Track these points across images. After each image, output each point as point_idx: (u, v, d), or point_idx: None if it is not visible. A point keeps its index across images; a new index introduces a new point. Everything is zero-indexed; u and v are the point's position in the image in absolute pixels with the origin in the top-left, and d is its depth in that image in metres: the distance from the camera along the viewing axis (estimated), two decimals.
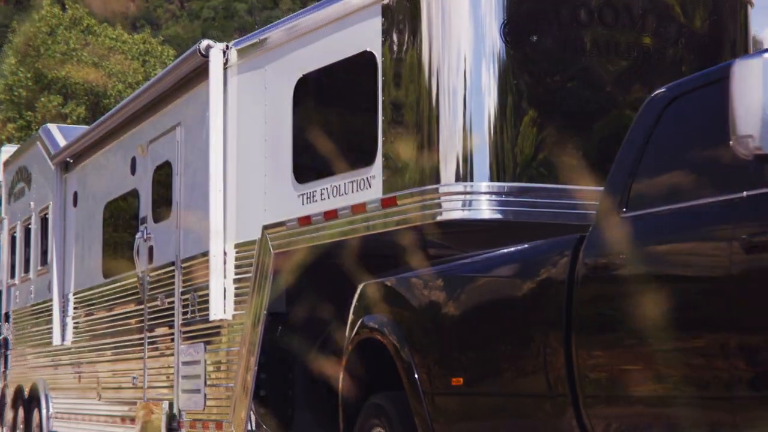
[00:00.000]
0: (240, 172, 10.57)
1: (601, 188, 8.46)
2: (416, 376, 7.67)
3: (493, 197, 8.43)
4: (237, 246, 10.58)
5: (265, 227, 10.11)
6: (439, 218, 8.57)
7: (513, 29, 8.48)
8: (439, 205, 8.55)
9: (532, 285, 6.94)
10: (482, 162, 8.49)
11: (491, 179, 8.45)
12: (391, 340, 7.98)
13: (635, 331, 6.16)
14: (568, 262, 6.69)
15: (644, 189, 6.44)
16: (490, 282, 7.39)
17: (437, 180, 8.55)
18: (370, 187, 9.01)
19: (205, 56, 10.78)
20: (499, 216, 8.43)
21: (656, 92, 6.67)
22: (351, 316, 8.71)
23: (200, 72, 11.15)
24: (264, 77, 10.30)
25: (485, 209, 8.45)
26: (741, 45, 8.98)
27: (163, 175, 12.23)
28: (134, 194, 13.03)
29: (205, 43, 10.80)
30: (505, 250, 7.39)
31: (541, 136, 8.52)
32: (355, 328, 8.50)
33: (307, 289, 10.39)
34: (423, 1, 8.66)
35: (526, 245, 7.29)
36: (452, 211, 8.53)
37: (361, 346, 8.41)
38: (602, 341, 6.46)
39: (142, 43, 46.12)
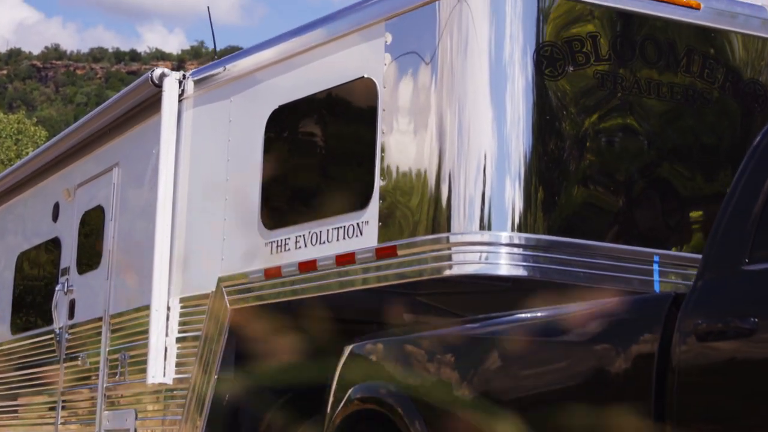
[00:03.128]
0: (192, 215, 8.72)
1: (644, 248, 6.93)
2: None
3: (516, 250, 6.70)
4: (183, 300, 8.69)
5: (222, 279, 8.26)
6: (448, 272, 6.82)
7: (547, 57, 6.82)
8: (449, 257, 6.80)
9: (606, 360, 5.18)
10: (503, 209, 6.77)
11: (513, 229, 6.73)
12: (399, 412, 6.15)
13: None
14: (660, 329, 4.97)
15: None
16: (545, 350, 5.60)
17: (448, 228, 6.81)
18: (361, 234, 7.23)
19: (159, 86, 8.96)
20: (522, 273, 6.70)
21: None
22: (335, 385, 6.87)
23: (147, 106, 9.32)
24: (228, 109, 8.50)
25: (505, 264, 6.71)
26: None
27: (93, 221, 10.30)
28: (55, 243, 11.05)
29: (159, 71, 8.98)
30: (565, 310, 5.64)
31: (574, 182, 6.84)
32: (344, 399, 6.65)
33: (267, 353, 8.52)
34: (439, 17, 6.98)
35: (589, 304, 5.56)
36: (465, 264, 6.78)
37: (352, 420, 6.56)
38: None
39: (17, 122, 46.20)
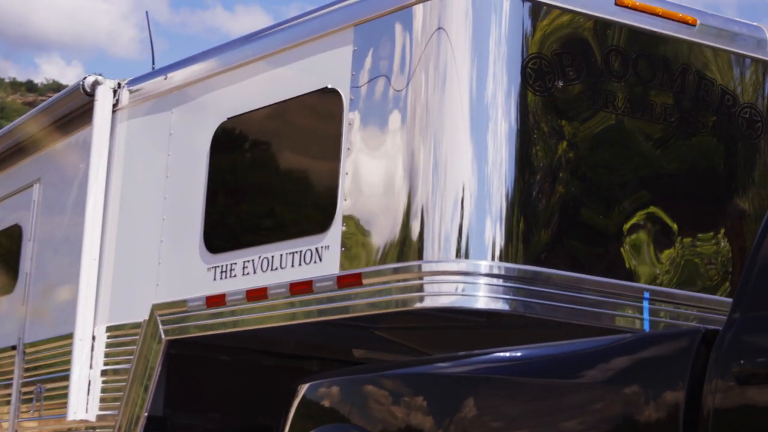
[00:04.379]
0: (124, 236, 7.90)
1: (634, 283, 6.28)
2: None
3: (496, 282, 6.01)
4: (111, 329, 7.85)
5: (156, 306, 7.45)
6: (419, 305, 6.10)
7: (536, 69, 6.16)
8: (421, 288, 6.09)
9: (621, 408, 4.48)
10: (482, 235, 6.08)
11: (493, 258, 6.04)
12: None
13: None
14: (687, 371, 4.30)
15: None
16: (544, 395, 4.88)
17: (420, 255, 6.11)
18: (320, 260, 6.49)
19: (91, 95, 8.15)
20: (503, 307, 6.00)
21: None
22: (288, 428, 6.10)
23: (76, 116, 8.51)
24: (169, 121, 7.73)
25: (483, 296, 6.01)
26: None
27: (8, 241, 9.43)
28: None
29: (91, 78, 8.17)
30: (567, 347, 4.94)
31: (560, 210, 6.18)
32: None
33: (204, 390, 7.75)
34: (414, 24, 6.29)
35: (597, 342, 4.88)
36: (439, 296, 6.07)
37: None
38: None
39: None
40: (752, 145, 6.71)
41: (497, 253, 6.02)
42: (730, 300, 6.47)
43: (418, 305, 6.09)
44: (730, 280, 6.57)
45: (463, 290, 6.02)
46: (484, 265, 5.99)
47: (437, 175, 6.10)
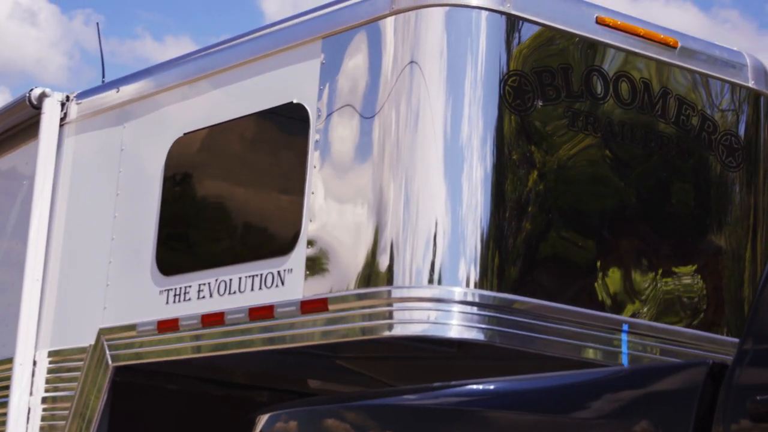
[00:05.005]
0: (70, 256, 7.48)
1: (613, 315, 5.99)
2: None
3: (470, 309, 5.68)
4: (54, 354, 7.42)
5: (103, 331, 7.03)
6: (387, 333, 5.76)
7: (515, 86, 5.86)
8: (390, 315, 5.75)
9: None
10: (456, 260, 5.75)
11: (468, 285, 5.71)
12: None
13: None
14: (694, 407, 3.99)
15: None
16: (531, 427, 4.56)
17: (390, 281, 5.77)
18: (282, 284, 6.13)
19: (37, 108, 7.74)
20: (478, 336, 5.67)
21: None
22: None
23: (21, 130, 8.09)
24: (120, 136, 7.34)
25: (457, 325, 5.68)
26: (765, 144, 6.61)
27: None
28: None
29: (38, 90, 7.76)
30: (557, 380, 4.61)
31: (539, 235, 5.87)
32: None
33: (153, 420, 7.34)
34: (385, 32, 5.98)
35: (589, 374, 4.56)
36: (410, 324, 5.72)
37: None
38: None
39: None
40: (732, 175, 6.45)
41: (472, 280, 5.70)
42: (709, 335, 6.24)
43: (386, 333, 5.75)
44: (707, 314, 6.29)
45: (435, 318, 5.68)
46: (458, 292, 5.67)
47: (410, 192, 5.78)
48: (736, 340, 6.30)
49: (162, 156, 6.95)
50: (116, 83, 7.54)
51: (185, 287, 6.63)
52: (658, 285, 6.16)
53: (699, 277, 6.31)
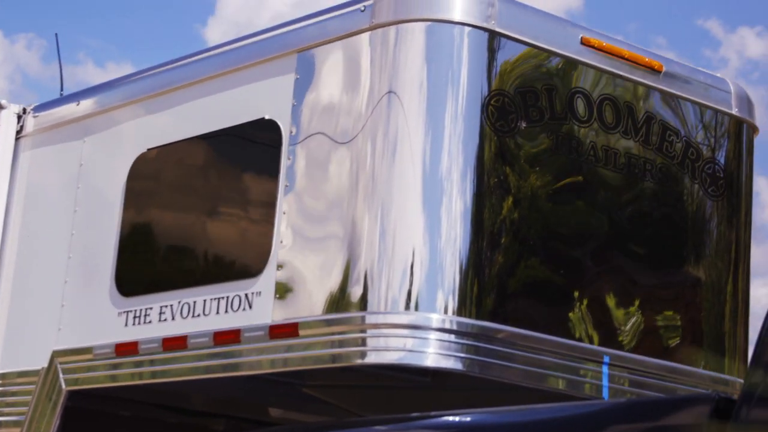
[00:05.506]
0: (22, 274, 7.16)
1: (594, 346, 5.76)
2: None
3: (448, 337, 5.43)
4: (2, 377, 7.08)
5: (57, 353, 6.71)
6: (359, 361, 5.50)
7: (499, 107, 5.64)
8: (363, 342, 5.50)
9: None
10: (434, 286, 5.51)
11: (446, 312, 5.47)
12: None
13: None
14: None
15: None
16: None
17: (364, 306, 5.52)
18: (250, 307, 5.86)
19: None
20: (456, 366, 5.42)
21: None
22: None
23: None
24: (80, 151, 7.04)
25: (434, 353, 5.43)
26: (746, 174, 6.43)
27: None
28: None
29: None
30: (546, 413, 4.37)
31: (520, 262, 5.64)
32: None
33: None
34: (363, 48, 5.75)
35: (580, 407, 4.33)
36: (385, 351, 5.47)
37: None
38: None
39: None
40: (714, 204, 6.27)
41: (450, 307, 5.46)
42: (689, 368, 6.03)
43: (360, 361, 5.49)
44: (685, 347, 6.09)
45: (411, 346, 5.43)
46: (436, 319, 5.43)
47: (387, 219, 5.54)
48: (715, 374, 6.12)
49: (124, 171, 6.67)
50: (76, 96, 7.25)
51: (146, 309, 6.34)
52: (641, 317, 5.95)
53: (679, 308, 6.11)
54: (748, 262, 6.39)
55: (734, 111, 6.40)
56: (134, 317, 6.39)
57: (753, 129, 6.52)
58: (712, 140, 6.35)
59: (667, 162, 6.12)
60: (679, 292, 6.12)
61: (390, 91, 5.64)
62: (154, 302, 6.31)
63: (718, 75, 6.47)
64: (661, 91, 6.16)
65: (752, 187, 6.47)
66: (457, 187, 5.54)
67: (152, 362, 6.24)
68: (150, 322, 6.30)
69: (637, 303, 5.95)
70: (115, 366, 6.43)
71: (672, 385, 5.92)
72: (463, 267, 5.50)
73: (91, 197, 6.88)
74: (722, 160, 6.35)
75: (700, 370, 6.06)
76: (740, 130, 6.45)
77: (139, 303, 6.39)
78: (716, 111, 6.34)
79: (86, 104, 7.11)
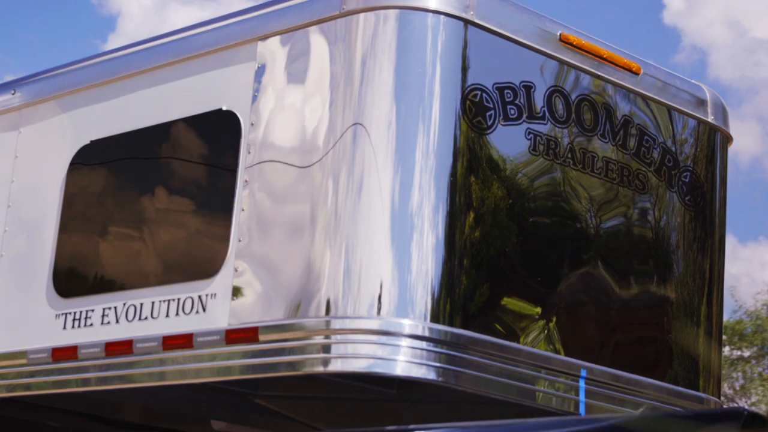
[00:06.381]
0: None
1: (572, 359, 5.43)
2: None
3: (420, 344, 5.07)
4: None
5: None
6: (324, 369, 5.12)
7: (476, 102, 5.31)
8: (328, 348, 5.12)
9: None
10: (406, 288, 5.16)
11: (420, 317, 5.11)
12: None
13: None
14: None
15: None
16: None
17: (327, 309, 5.15)
18: (204, 310, 5.46)
19: None
20: (429, 375, 5.06)
21: None
22: None
23: None
24: (15, 143, 6.59)
25: (404, 361, 5.06)
26: (721, 184, 6.17)
27: None
28: None
29: None
30: (563, 423, 4.03)
31: (496, 270, 5.30)
32: None
33: None
34: (331, 35, 5.39)
35: (593, 421, 4.01)
36: (352, 359, 5.10)
37: None
38: None
39: None
40: (692, 214, 6.00)
41: (424, 312, 5.11)
42: (670, 386, 5.74)
43: (323, 369, 5.11)
44: (666, 362, 5.81)
45: (381, 353, 5.07)
46: (408, 325, 5.07)
47: (358, 213, 5.18)
48: (690, 391, 5.83)
49: (63, 164, 6.23)
50: (12, 84, 6.79)
51: (87, 311, 5.91)
52: (614, 329, 5.65)
53: (655, 322, 5.82)
54: (722, 277, 6.13)
55: (710, 119, 6.15)
56: (74, 320, 5.95)
57: (728, 138, 6.27)
58: (688, 148, 6.08)
59: (643, 168, 5.84)
60: (655, 305, 5.82)
61: (361, 82, 5.29)
62: (95, 304, 5.88)
63: (695, 82, 6.21)
64: (639, 95, 5.88)
65: (726, 197, 6.22)
66: (432, 176, 5.19)
67: (93, 368, 5.80)
68: (91, 325, 5.86)
69: (613, 315, 5.64)
70: (51, 372, 5.97)
71: (647, 402, 5.63)
72: (437, 271, 5.15)
73: (26, 192, 6.43)
74: (699, 169, 6.09)
75: (677, 387, 5.77)
76: (715, 139, 6.19)
77: (79, 304, 5.95)
78: (692, 118, 6.08)
79: (23, 93, 6.66)
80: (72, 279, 6.07)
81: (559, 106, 5.58)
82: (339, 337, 5.10)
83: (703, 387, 5.89)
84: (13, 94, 6.71)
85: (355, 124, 5.23)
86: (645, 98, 5.91)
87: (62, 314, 6.01)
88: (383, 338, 5.06)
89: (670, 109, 6.00)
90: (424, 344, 5.07)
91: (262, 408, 5.93)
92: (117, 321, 5.76)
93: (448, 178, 5.21)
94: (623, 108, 5.82)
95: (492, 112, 5.34)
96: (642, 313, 5.77)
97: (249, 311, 5.31)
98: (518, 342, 5.26)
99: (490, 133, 5.34)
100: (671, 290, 5.88)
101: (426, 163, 5.19)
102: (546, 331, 5.39)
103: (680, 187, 5.97)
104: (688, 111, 6.07)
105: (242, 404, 6.04)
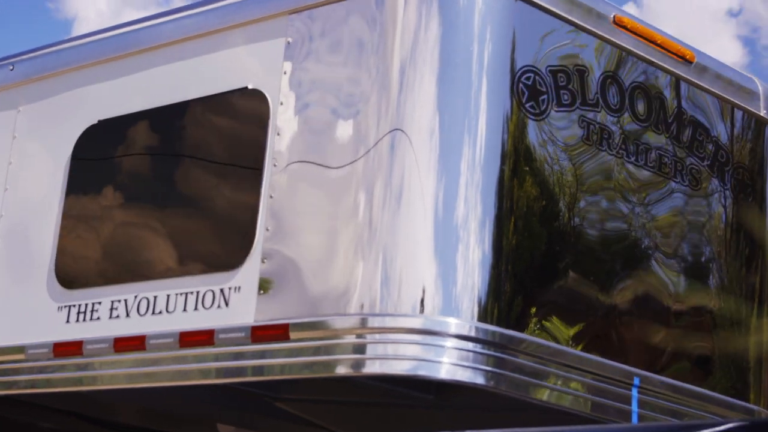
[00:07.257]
0: None
1: (625, 366, 5.03)
2: None
3: (468, 346, 4.65)
4: None
5: None
6: (359, 371, 4.69)
7: (530, 85, 4.91)
8: (364, 349, 4.69)
9: None
10: (452, 286, 4.74)
11: (466, 317, 4.70)
12: None
13: None
14: None
15: None
16: None
17: (366, 306, 4.72)
18: (226, 305, 5.02)
19: None
20: (475, 379, 4.63)
21: None
22: None
23: None
24: (13, 122, 6.13)
25: (449, 364, 4.64)
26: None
27: None
28: None
29: None
30: None
31: (548, 269, 4.90)
32: None
33: None
34: (366, 11, 4.97)
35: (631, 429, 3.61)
36: (392, 360, 4.67)
37: None
38: None
39: None
40: (745, 214, 5.62)
41: (471, 311, 4.69)
42: (724, 397, 5.37)
43: (360, 371, 4.68)
44: (719, 372, 5.43)
45: (424, 354, 4.65)
46: (454, 325, 4.65)
47: (400, 199, 4.76)
48: (740, 402, 5.48)
49: (68, 146, 5.79)
50: (9, 59, 6.34)
51: (93, 304, 5.45)
52: (666, 335, 5.26)
53: (707, 327, 5.44)
54: None
55: (763, 113, 5.78)
56: (78, 313, 5.50)
57: None
58: (741, 143, 5.71)
59: (696, 163, 5.46)
60: (706, 310, 5.44)
61: (401, 63, 4.88)
62: (103, 296, 5.43)
63: (747, 74, 5.85)
64: (693, 84, 5.50)
65: None
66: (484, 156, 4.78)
67: (99, 365, 5.35)
68: (98, 318, 5.42)
69: (665, 320, 5.25)
70: (53, 369, 5.52)
71: (698, 413, 5.25)
72: (486, 263, 4.74)
73: (25, 175, 5.98)
74: (751, 165, 5.72)
75: (729, 398, 5.39)
76: (765, 133, 5.83)
77: (84, 296, 5.50)
78: (745, 111, 5.71)
79: (22, 69, 6.21)
80: (77, 268, 5.63)
81: (613, 93, 5.19)
82: (378, 336, 4.68)
83: (754, 399, 5.52)
84: (11, 69, 6.26)
85: (396, 105, 4.83)
86: (698, 88, 5.53)
87: (65, 306, 5.56)
88: (427, 338, 4.65)
89: (723, 102, 5.63)
90: (470, 345, 4.66)
91: (281, 412, 5.50)
92: (128, 315, 5.31)
93: (499, 167, 4.81)
94: (677, 98, 5.44)
95: (545, 96, 4.94)
96: (693, 319, 5.39)
97: (278, 307, 4.87)
98: (572, 347, 4.86)
99: (542, 119, 4.95)
100: (723, 296, 5.50)
101: (473, 158, 4.79)
102: (600, 337, 4.99)
103: (733, 184, 5.59)
104: (740, 103, 5.70)
105: (258, 407, 5.60)
